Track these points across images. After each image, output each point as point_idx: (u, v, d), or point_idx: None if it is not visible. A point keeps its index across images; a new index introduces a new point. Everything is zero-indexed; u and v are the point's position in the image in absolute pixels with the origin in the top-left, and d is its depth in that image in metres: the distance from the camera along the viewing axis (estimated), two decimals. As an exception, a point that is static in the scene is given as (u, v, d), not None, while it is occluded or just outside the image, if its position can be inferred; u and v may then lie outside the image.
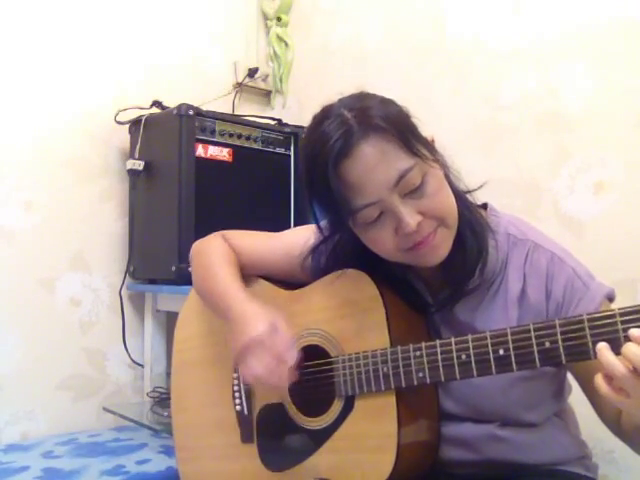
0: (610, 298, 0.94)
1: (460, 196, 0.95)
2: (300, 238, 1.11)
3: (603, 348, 0.74)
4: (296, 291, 1.11)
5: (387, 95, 0.93)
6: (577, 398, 1.02)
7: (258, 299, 1.06)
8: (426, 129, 0.92)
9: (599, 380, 0.76)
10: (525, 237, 0.98)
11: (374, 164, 0.85)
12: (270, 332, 0.96)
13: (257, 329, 0.96)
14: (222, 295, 1.08)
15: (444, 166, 0.93)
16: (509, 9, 1.69)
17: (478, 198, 1.01)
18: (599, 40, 1.52)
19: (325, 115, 0.90)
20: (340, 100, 0.92)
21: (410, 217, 0.86)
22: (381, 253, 0.93)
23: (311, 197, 0.94)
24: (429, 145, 0.91)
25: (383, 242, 0.90)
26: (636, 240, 1.45)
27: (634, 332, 0.72)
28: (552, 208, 1.59)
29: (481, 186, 0.99)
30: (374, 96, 0.92)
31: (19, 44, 1.84)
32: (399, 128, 0.86)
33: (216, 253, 1.16)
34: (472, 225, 0.95)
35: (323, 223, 1.00)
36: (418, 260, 0.92)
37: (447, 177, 0.93)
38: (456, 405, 0.98)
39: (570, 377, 1.02)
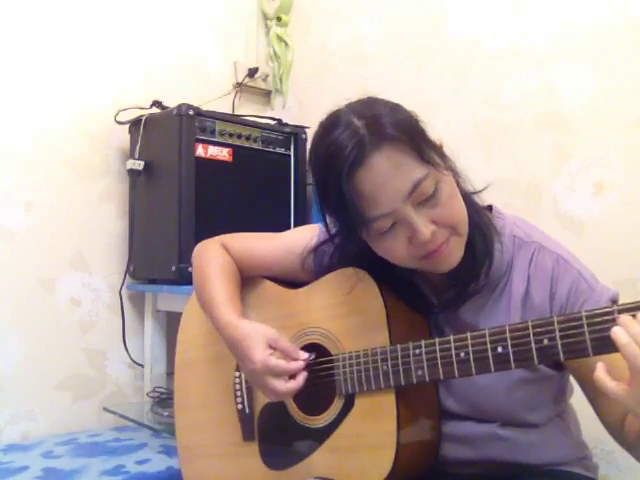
0: (614, 301, 0.93)
1: (469, 200, 0.95)
2: (302, 238, 1.11)
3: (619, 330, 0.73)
4: (298, 290, 1.11)
5: (387, 95, 0.92)
6: (578, 398, 1.02)
7: (259, 300, 1.11)
8: (433, 133, 0.91)
9: (602, 374, 0.75)
10: (530, 239, 0.98)
11: (388, 175, 0.84)
12: (266, 357, 0.97)
13: (255, 358, 0.98)
14: (215, 315, 1.09)
15: (453, 171, 0.92)
16: (509, 9, 1.69)
17: (481, 199, 1.01)
18: (599, 40, 1.52)
19: (334, 123, 0.88)
20: (348, 106, 0.90)
21: (424, 226, 0.86)
22: (393, 261, 0.93)
23: (323, 206, 0.94)
24: (440, 151, 0.91)
25: (396, 251, 0.90)
26: (636, 240, 1.45)
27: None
28: (552, 208, 1.59)
29: (485, 188, 0.99)
30: (382, 102, 0.91)
31: (19, 44, 1.84)
32: (411, 136, 0.86)
33: (212, 266, 1.15)
34: (481, 228, 0.95)
35: (331, 227, 0.99)
36: (431, 267, 0.92)
37: (456, 181, 0.93)
38: (458, 404, 0.98)
39: (572, 378, 1.02)
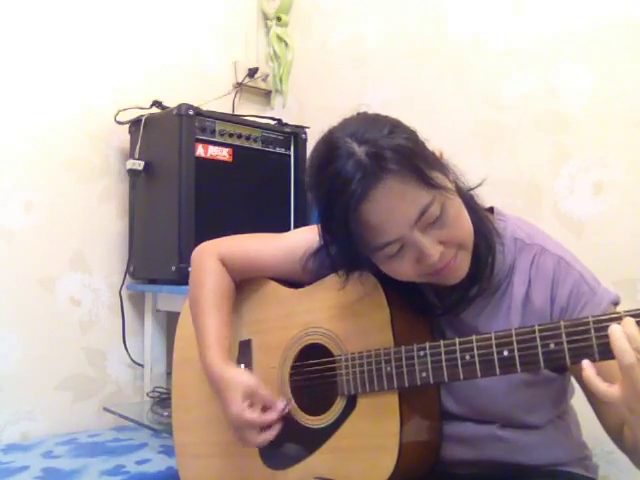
0: (615, 304, 0.93)
1: (471, 206, 0.94)
2: (303, 240, 1.10)
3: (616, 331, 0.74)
4: (300, 290, 1.11)
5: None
6: (578, 399, 1.02)
7: (262, 300, 1.13)
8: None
9: (591, 374, 0.76)
10: (532, 241, 0.97)
11: (394, 205, 0.84)
12: (241, 411, 1.00)
13: (232, 410, 1.01)
14: (203, 351, 1.10)
15: (455, 182, 0.92)
16: (509, 9, 1.69)
17: (481, 199, 1.00)
18: (599, 40, 1.52)
19: (334, 151, 0.86)
20: (344, 127, 0.89)
21: (433, 249, 0.86)
22: (401, 279, 0.92)
23: (326, 234, 0.94)
24: (441, 166, 0.90)
25: (404, 271, 0.90)
26: (636, 240, 1.45)
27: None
28: (552, 208, 1.59)
29: (480, 184, 0.98)
30: (379, 122, 0.88)
31: (19, 44, 1.83)
32: (413, 164, 0.84)
33: (207, 286, 1.14)
34: (484, 234, 0.95)
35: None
36: (439, 281, 0.92)
37: (457, 187, 0.92)
38: (458, 405, 0.98)
39: (573, 378, 1.02)
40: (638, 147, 1.46)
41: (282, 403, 1.04)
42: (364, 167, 0.83)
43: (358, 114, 0.92)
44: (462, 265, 0.91)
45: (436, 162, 0.89)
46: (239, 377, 1.04)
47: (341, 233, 0.88)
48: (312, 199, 0.92)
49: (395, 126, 0.88)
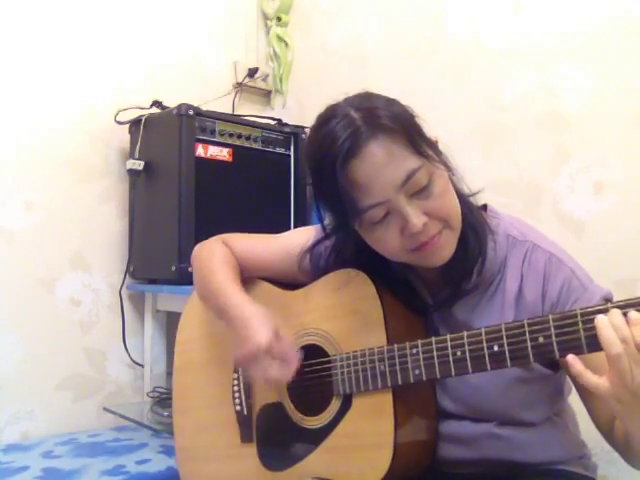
0: (607, 300, 0.93)
1: (462, 198, 0.95)
2: (300, 239, 1.11)
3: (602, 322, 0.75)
4: (295, 291, 1.11)
5: (387, 95, 0.93)
6: (577, 397, 1.02)
7: (257, 301, 1.09)
8: (429, 130, 0.92)
9: (581, 368, 0.76)
10: (524, 238, 0.98)
11: (382, 164, 0.85)
12: (273, 339, 0.97)
13: (262, 336, 0.96)
14: (221, 299, 1.08)
15: (448, 167, 0.93)
16: (509, 9, 1.69)
17: (479, 199, 1.01)
18: (599, 40, 1.52)
19: (331, 114, 0.89)
20: (346, 99, 0.91)
21: (416, 217, 0.86)
22: (385, 253, 0.93)
23: (317, 197, 0.94)
24: (435, 146, 0.91)
25: (388, 242, 0.90)
26: (636, 240, 1.45)
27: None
28: (552, 208, 1.59)
29: (480, 191, 1.00)
30: (380, 96, 0.92)
31: (19, 44, 1.84)
32: (406, 128, 0.87)
33: (215, 257, 1.16)
34: (474, 226, 0.95)
35: (326, 222, 0.99)
36: (422, 261, 0.92)
37: (450, 178, 0.93)
38: (454, 404, 0.98)
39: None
40: (638, 147, 1.46)
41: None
42: (357, 126, 0.85)
43: (360, 92, 0.94)
44: (447, 245, 0.90)
45: (430, 140, 0.91)
46: (267, 312, 1.01)
47: (329, 192, 0.89)
48: (306, 162, 0.94)
49: (394, 100, 0.91)
